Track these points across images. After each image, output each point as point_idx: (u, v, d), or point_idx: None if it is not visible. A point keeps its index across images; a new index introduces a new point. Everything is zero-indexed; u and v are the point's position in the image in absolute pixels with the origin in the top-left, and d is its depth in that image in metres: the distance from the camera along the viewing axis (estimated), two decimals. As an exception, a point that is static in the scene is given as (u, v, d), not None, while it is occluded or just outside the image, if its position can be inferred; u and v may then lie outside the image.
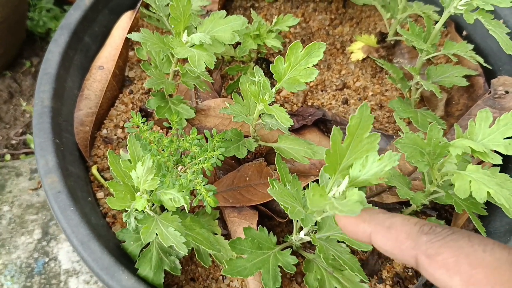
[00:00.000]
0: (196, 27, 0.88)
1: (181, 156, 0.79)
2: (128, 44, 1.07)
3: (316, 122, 0.99)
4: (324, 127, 1.01)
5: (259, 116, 0.82)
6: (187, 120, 0.93)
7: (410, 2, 1.06)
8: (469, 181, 0.67)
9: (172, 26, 0.82)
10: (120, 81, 1.05)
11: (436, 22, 0.89)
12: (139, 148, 0.77)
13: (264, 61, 1.07)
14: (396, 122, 1.00)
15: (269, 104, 0.77)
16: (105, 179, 0.95)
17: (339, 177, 0.60)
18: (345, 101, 1.04)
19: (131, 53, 1.12)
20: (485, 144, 0.72)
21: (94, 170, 0.96)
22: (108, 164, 0.77)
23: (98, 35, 1.08)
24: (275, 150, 0.86)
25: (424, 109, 0.95)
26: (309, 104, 1.04)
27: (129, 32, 1.06)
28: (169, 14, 0.82)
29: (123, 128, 1.01)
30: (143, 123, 0.77)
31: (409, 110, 0.88)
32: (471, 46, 0.88)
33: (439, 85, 0.94)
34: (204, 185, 0.72)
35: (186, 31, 0.84)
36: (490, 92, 0.93)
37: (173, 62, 0.92)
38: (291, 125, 0.74)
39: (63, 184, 0.84)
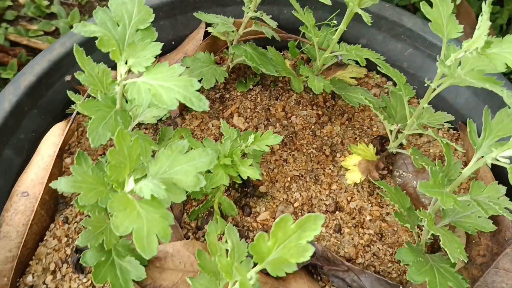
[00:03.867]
0: (147, 165, 0.65)
1: None
2: (60, 162, 0.83)
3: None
4: (314, 270, 0.81)
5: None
6: (135, 281, 0.71)
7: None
8: None
9: (112, 177, 0.60)
10: (51, 208, 0.82)
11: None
12: None
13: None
14: (401, 262, 0.81)
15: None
16: None
17: None
18: (338, 229, 0.84)
19: (68, 159, 0.88)
20: None
21: (12, 337, 0.72)
22: None
23: (25, 144, 0.84)
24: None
25: (439, 256, 0.75)
26: (294, 231, 0.83)
27: (63, 146, 0.82)
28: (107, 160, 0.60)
29: (54, 273, 0.78)
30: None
31: (425, 270, 0.68)
32: (503, 190, 0.69)
33: (458, 227, 0.75)
34: None
35: (132, 176, 0.62)
36: (521, 238, 0.74)
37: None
38: None
39: None
